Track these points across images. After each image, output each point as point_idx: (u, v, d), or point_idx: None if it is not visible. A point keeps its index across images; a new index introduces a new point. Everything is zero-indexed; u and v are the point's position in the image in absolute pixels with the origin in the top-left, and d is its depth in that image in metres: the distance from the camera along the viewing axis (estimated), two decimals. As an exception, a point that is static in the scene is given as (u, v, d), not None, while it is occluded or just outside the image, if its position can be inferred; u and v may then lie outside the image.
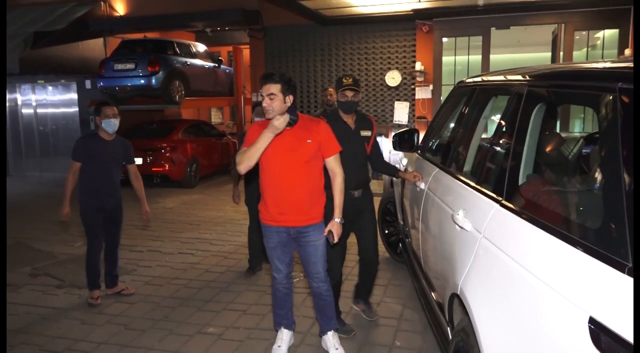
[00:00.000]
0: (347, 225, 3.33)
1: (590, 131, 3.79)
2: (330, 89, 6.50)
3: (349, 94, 3.48)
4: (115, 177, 4.27)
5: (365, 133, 3.59)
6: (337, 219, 3.11)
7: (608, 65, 1.89)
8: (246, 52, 13.03)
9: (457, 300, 2.40)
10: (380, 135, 9.35)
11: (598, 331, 1.37)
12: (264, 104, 2.93)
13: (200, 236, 6.37)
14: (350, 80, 3.49)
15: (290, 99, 2.98)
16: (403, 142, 4.15)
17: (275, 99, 2.91)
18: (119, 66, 10.04)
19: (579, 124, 8.46)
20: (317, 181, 3.10)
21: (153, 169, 9.48)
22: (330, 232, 3.10)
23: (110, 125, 4.16)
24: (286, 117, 2.92)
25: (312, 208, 3.09)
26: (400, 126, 9.99)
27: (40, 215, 7.70)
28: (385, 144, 8.73)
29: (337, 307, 3.58)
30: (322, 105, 6.55)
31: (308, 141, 3.01)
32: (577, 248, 1.58)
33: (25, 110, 11.90)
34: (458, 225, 2.43)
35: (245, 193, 4.85)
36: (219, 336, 3.66)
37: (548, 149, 2.35)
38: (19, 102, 11.87)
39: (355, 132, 3.56)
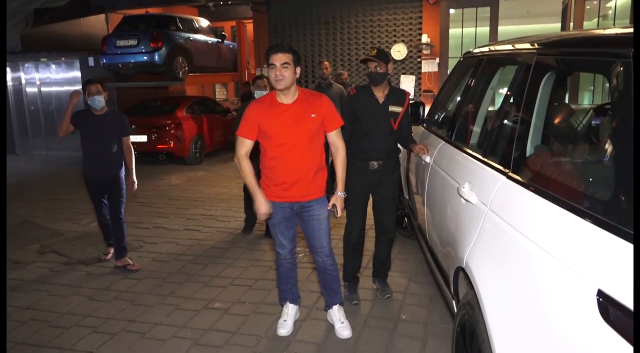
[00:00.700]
0: (365, 194, 3.59)
1: (600, 103, 3.71)
2: (325, 63, 6.45)
3: (372, 65, 3.44)
4: (107, 149, 4.42)
5: (394, 108, 3.54)
6: (339, 193, 3.11)
7: (619, 31, 1.82)
8: (250, 27, 12.88)
9: (462, 273, 2.39)
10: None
11: (606, 303, 1.35)
12: (275, 73, 2.87)
13: (206, 212, 6.39)
14: (375, 51, 3.46)
15: (298, 70, 2.97)
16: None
17: (288, 68, 2.89)
18: (121, 43, 9.95)
19: (589, 96, 8.32)
20: (320, 156, 3.09)
21: (158, 146, 9.47)
22: (334, 205, 3.10)
23: (95, 102, 4.33)
24: (267, 213, 3.04)
25: (315, 183, 3.08)
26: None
27: (48, 193, 7.74)
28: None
29: (352, 263, 3.74)
30: (317, 79, 6.54)
31: (312, 115, 2.99)
32: (585, 219, 1.54)
33: (30, 89, 11.86)
34: (464, 198, 2.40)
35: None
36: (225, 311, 3.68)
37: (557, 120, 2.29)
38: (23, 81, 11.83)
39: (382, 106, 3.52)
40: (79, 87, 11.52)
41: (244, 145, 3.04)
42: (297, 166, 3.00)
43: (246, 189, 5.37)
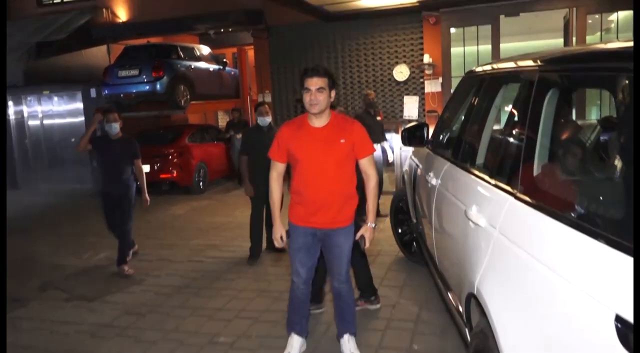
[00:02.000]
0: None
1: (606, 116, 3.68)
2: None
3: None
4: (120, 168, 5.18)
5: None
6: (370, 223, 3.07)
7: (622, 44, 1.81)
8: (251, 52, 13.03)
9: (474, 300, 2.33)
10: (389, 131, 9.26)
11: (625, 329, 1.29)
12: (310, 97, 2.89)
13: (210, 243, 6.35)
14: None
15: (333, 94, 2.99)
16: (412, 137, 4.09)
17: (323, 92, 2.91)
18: (123, 73, 10.09)
19: (596, 111, 8.29)
20: (349, 183, 3.07)
21: (161, 176, 9.50)
22: (362, 236, 3.06)
23: (112, 128, 5.20)
24: (280, 240, 3.11)
25: (343, 211, 3.06)
26: (410, 121, 9.89)
27: (50, 227, 7.74)
28: (396, 140, 8.65)
29: None
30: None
31: (341, 141, 2.99)
32: (598, 240, 1.49)
33: (32, 122, 11.99)
34: (472, 221, 2.35)
35: (250, 180, 5.34)
36: (230, 345, 3.61)
37: (563, 137, 2.26)
38: (26, 114, 11.97)
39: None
40: (81, 118, 11.66)
41: (274, 168, 3.13)
42: (323, 191, 2.99)
43: (253, 217, 5.40)
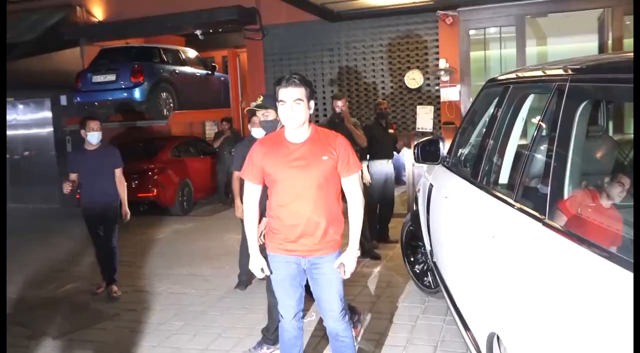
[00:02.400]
0: None
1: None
2: (343, 99, 6.43)
3: (260, 114, 3.98)
4: (102, 181, 5.44)
5: None
6: (352, 251, 3.06)
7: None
8: (243, 56, 13.14)
9: (496, 340, 2.32)
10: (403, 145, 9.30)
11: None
12: (287, 112, 2.90)
13: (195, 272, 6.33)
14: (260, 98, 3.95)
15: (312, 105, 3.01)
16: (426, 153, 4.11)
17: (301, 105, 2.91)
18: (98, 78, 10.17)
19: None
20: (333, 205, 3.08)
21: (139, 195, 9.46)
22: (342, 264, 3.05)
23: (94, 137, 5.44)
24: (259, 273, 3.14)
25: (327, 237, 3.06)
26: (424, 134, 9.93)
27: (11, 254, 7.71)
28: (408, 156, 8.68)
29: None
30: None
31: (324, 157, 3.00)
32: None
33: (-7, 133, 12.05)
34: (494, 250, 2.35)
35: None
36: (216, 391, 3.58)
37: (598, 154, 2.28)
38: (-14, 125, 12.03)
39: None
40: (50, 129, 11.72)
41: (249, 190, 3.15)
42: (305, 215, 2.99)
43: (244, 241, 5.48)
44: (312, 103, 3.00)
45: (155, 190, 9.56)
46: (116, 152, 5.64)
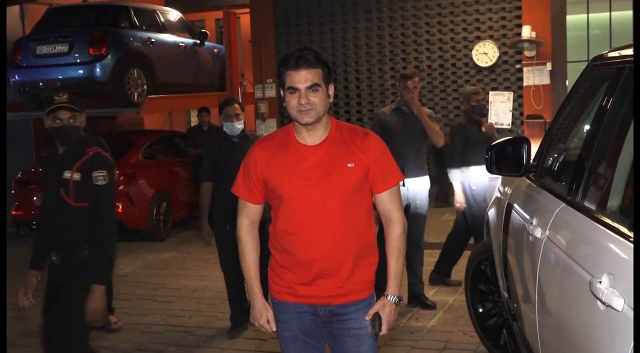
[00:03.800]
0: None
1: None
2: (415, 78, 6.34)
3: (63, 116, 4.05)
4: None
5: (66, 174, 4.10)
6: (391, 297, 3.05)
7: None
8: (245, 19, 13.24)
9: None
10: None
11: None
12: (299, 101, 2.91)
13: (174, 321, 6.36)
14: (65, 95, 4.04)
15: (332, 90, 3.02)
16: (504, 159, 4.09)
17: (319, 92, 2.93)
18: (44, 49, 10.26)
19: None
20: (364, 230, 3.09)
21: (98, 212, 9.57)
22: (376, 316, 3.04)
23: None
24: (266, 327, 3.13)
25: (356, 275, 3.06)
26: (499, 131, 9.88)
27: None
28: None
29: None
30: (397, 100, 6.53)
31: (349, 165, 3.00)
32: None
33: None
34: (601, 300, 2.34)
35: (215, 219, 5.68)
36: None
37: None
38: None
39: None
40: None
41: (246, 211, 3.12)
42: (323, 245, 3.00)
43: (225, 274, 5.83)
44: (331, 88, 3.01)
45: (120, 206, 9.63)
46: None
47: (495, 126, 9.86)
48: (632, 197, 2.65)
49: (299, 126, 3.01)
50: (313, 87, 2.91)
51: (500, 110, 10.04)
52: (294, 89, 2.91)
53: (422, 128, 6.00)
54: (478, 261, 5.23)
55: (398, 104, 6.32)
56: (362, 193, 3.05)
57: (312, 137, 3.02)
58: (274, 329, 3.15)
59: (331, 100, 3.02)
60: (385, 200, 3.08)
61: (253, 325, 3.79)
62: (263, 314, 3.11)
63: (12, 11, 12.79)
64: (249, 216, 3.13)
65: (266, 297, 3.18)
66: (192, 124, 16.06)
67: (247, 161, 3.11)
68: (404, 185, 5.80)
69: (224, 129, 5.74)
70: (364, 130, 3.15)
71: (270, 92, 11.60)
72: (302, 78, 2.90)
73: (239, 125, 5.67)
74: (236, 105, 5.73)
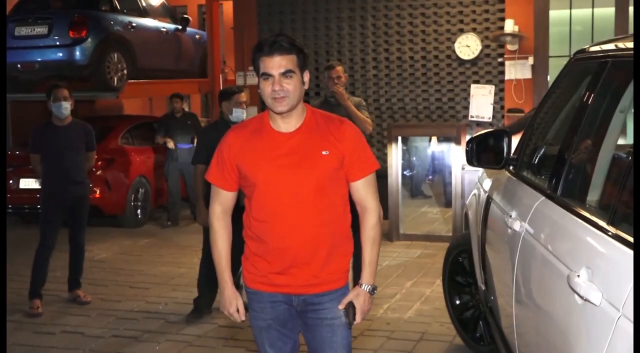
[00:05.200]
0: None
1: None
2: (338, 68, 6.59)
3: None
4: (74, 163, 6.21)
5: None
6: (365, 286, 3.07)
7: None
8: (228, 6, 13.18)
9: None
10: (449, 139, 9.30)
11: None
12: (273, 88, 2.90)
13: (149, 308, 6.37)
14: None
15: (307, 77, 3.02)
16: (484, 152, 4.10)
17: (293, 78, 2.92)
18: (23, 31, 10.22)
19: None
20: (339, 218, 3.09)
21: (75, 198, 9.54)
22: (350, 305, 3.05)
23: (61, 108, 6.12)
24: (235, 315, 3.12)
25: (330, 264, 3.07)
26: (480, 124, 9.93)
27: None
28: (456, 154, 8.67)
29: None
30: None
31: (324, 152, 3.01)
32: None
33: None
34: (579, 294, 2.36)
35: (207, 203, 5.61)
36: None
37: None
38: None
39: None
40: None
41: (219, 198, 3.12)
42: (298, 234, 3.00)
43: (205, 256, 5.83)
44: (306, 75, 3.02)
45: (97, 192, 9.58)
46: (92, 131, 6.57)
47: (476, 120, 9.94)
48: (611, 191, 2.66)
49: (273, 113, 3.01)
50: (287, 73, 2.90)
51: (481, 103, 10.07)
52: (267, 75, 2.91)
53: (351, 118, 6.00)
54: (456, 253, 5.25)
55: (325, 96, 6.47)
56: (337, 182, 3.05)
57: (287, 125, 3.02)
58: (243, 319, 3.15)
59: (306, 87, 3.03)
60: (360, 189, 3.09)
61: (218, 312, 3.87)
62: (233, 303, 3.11)
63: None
64: (222, 203, 3.12)
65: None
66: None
67: (221, 148, 3.11)
68: None
69: (232, 115, 5.83)
70: (340, 118, 3.15)
71: (252, 80, 11.55)
72: (276, 64, 2.90)
73: (243, 114, 5.84)
74: (243, 95, 5.98)
